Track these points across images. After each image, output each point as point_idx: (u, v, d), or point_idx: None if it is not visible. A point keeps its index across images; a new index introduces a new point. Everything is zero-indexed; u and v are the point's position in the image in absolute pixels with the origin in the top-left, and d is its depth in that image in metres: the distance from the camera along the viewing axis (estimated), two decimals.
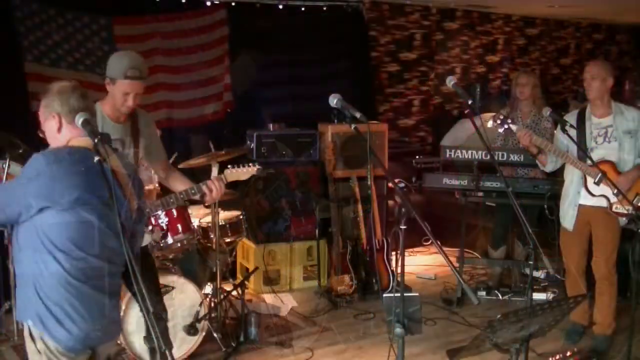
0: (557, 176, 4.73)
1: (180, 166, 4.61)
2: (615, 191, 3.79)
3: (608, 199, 4.13)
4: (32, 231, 2.40)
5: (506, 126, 4.15)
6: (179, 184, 3.51)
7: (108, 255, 2.48)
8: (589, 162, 4.07)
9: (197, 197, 3.42)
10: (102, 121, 3.21)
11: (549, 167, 4.45)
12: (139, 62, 3.21)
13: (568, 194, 4.36)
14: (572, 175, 4.33)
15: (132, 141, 3.28)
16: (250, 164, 3.60)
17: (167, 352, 1.99)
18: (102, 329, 2.53)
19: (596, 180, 4.08)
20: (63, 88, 2.53)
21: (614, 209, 4.13)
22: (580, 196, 4.25)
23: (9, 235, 4.41)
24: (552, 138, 4.62)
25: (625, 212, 4.08)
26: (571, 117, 4.30)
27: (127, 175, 2.55)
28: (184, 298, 4.19)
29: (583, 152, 4.09)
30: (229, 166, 3.54)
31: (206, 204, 3.64)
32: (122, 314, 3.96)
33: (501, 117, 4.17)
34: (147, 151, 3.42)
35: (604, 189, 4.09)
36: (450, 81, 3.24)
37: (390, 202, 5.96)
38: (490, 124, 4.11)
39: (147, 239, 3.87)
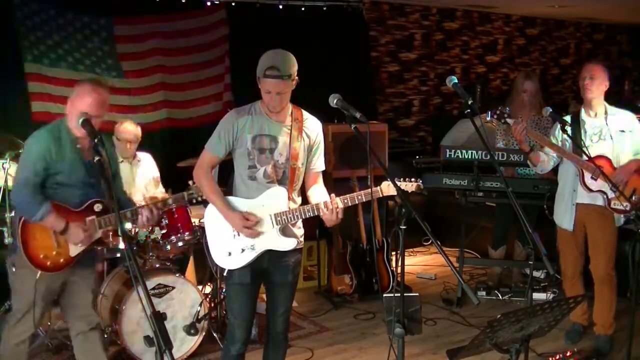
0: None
1: (180, 164, 4.62)
2: (613, 186, 3.79)
3: (606, 195, 4.12)
4: None
5: (503, 121, 4.15)
6: (317, 198, 3.29)
7: None
8: (585, 158, 4.06)
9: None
10: (259, 116, 3.16)
11: (539, 168, 4.42)
12: (280, 61, 3.11)
13: (564, 195, 4.35)
14: (566, 176, 4.32)
15: (289, 142, 3.18)
16: (412, 179, 3.19)
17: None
18: None
19: (593, 175, 4.07)
20: None
21: (612, 205, 4.12)
22: (577, 194, 4.24)
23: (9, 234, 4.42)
24: None
25: (623, 208, 4.07)
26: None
27: None
28: (184, 298, 4.19)
29: (579, 148, 4.08)
30: (388, 179, 3.13)
31: (328, 226, 3.31)
32: (122, 313, 3.97)
33: (498, 111, 4.17)
34: (307, 157, 3.28)
35: (602, 184, 4.08)
36: (451, 81, 3.24)
37: (390, 202, 5.96)
38: (488, 117, 4.11)
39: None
